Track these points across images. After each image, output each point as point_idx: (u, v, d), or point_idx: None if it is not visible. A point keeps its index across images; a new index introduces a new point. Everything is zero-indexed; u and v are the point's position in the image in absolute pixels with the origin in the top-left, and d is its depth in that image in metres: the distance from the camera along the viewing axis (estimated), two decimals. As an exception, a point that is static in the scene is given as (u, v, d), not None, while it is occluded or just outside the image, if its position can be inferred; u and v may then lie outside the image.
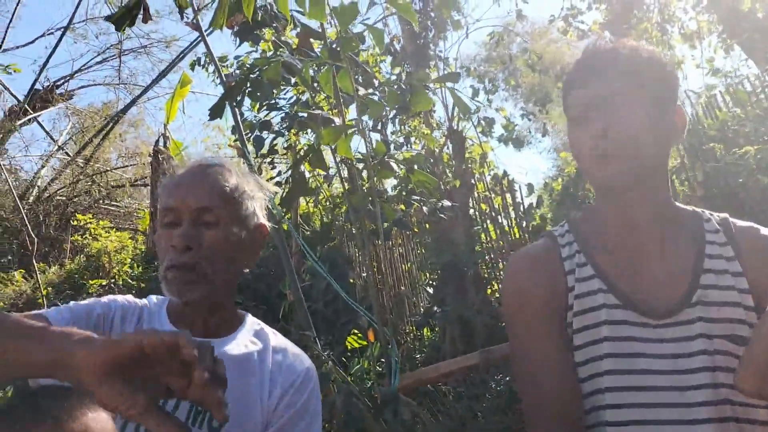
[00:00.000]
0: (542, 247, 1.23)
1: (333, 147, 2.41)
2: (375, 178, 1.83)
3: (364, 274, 6.79)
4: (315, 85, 2.19)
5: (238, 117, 2.84)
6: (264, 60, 1.70)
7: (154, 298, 1.46)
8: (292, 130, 4.17)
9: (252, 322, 1.47)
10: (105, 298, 1.38)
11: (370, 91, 2.09)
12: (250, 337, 1.42)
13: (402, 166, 2.07)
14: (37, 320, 1.13)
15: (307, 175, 5.97)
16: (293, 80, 2.50)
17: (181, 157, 4.82)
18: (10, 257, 9.20)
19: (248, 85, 2.22)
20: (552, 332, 1.13)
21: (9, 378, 1.10)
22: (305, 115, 2.57)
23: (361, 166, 2.38)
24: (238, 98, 2.37)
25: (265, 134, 4.12)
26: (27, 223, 7.50)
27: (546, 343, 1.12)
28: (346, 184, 2.61)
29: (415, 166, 2.25)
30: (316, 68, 2.00)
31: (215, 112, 2.19)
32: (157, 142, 9.12)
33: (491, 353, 2.52)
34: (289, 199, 2.07)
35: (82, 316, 1.28)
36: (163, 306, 1.42)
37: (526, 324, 1.15)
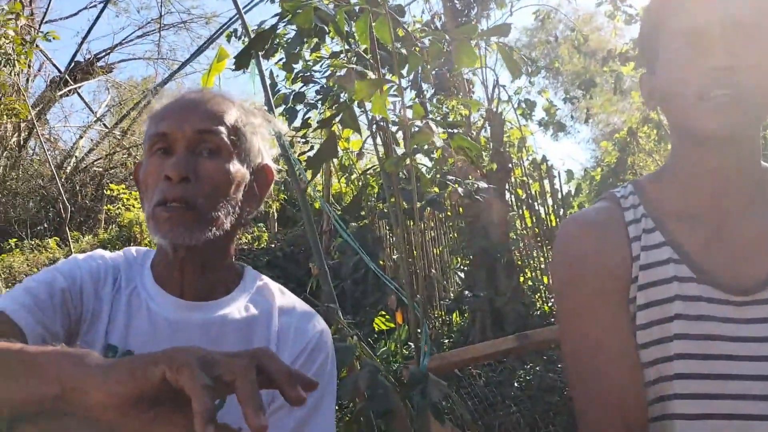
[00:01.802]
0: (602, 210, 1.04)
1: (366, 112, 2.29)
2: (412, 144, 1.70)
3: (395, 256, 6.68)
4: (351, 40, 2.06)
5: (263, 68, 2.71)
6: (296, 2, 1.56)
7: (133, 250, 1.26)
8: (327, 103, 4.06)
9: (253, 277, 1.27)
10: (66, 265, 1.17)
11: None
12: (251, 296, 1.23)
13: (442, 130, 1.93)
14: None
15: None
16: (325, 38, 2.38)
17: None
18: (45, 225, 9.32)
19: (276, 36, 2.09)
20: (612, 309, 0.96)
21: None
22: (342, 72, 2.42)
23: (395, 129, 2.25)
24: (266, 48, 2.24)
25: (298, 107, 4.01)
26: (63, 192, 7.55)
27: (605, 321, 0.96)
28: (381, 149, 2.47)
29: (457, 131, 2.10)
30: (351, 18, 1.87)
31: (241, 61, 2.08)
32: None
33: (528, 338, 2.38)
34: (316, 160, 1.94)
35: (45, 299, 1.08)
36: (146, 262, 1.22)
37: (581, 299, 0.99)
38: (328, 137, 1.92)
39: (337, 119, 1.91)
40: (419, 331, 2.03)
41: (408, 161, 1.84)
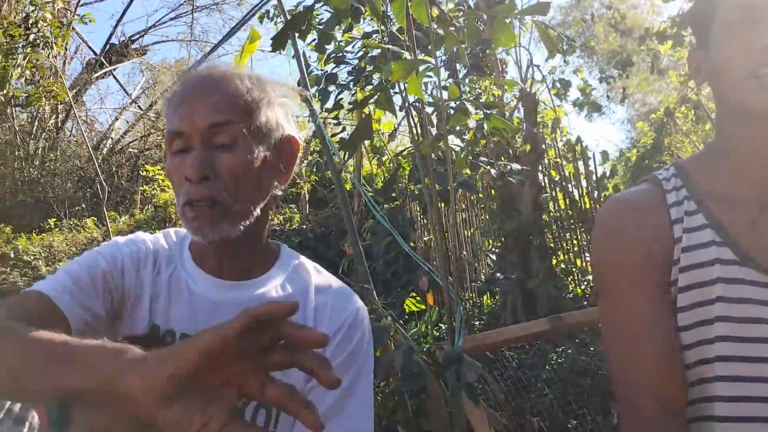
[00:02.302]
0: (644, 191, 1.03)
1: (402, 92, 2.28)
2: (447, 125, 1.69)
3: (426, 238, 6.68)
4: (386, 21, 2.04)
5: (299, 49, 2.70)
6: (331, -20, 1.56)
7: (172, 233, 1.27)
8: (359, 84, 4.04)
9: (288, 256, 1.27)
10: (107, 248, 1.18)
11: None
12: (288, 275, 1.23)
13: (478, 110, 1.91)
14: (40, 302, 1.02)
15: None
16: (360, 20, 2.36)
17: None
18: (83, 205, 9.52)
19: (312, 16, 2.09)
20: (653, 291, 0.95)
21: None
22: (377, 52, 2.40)
23: (431, 110, 2.23)
24: (302, 29, 2.24)
25: (330, 88, 4.00)
26: (100, 172, 7.70)
27: (645, 303, 0.95)
28: (416, 129, 2.45)
29: (493, 112, 2.08)
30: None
31: (277, 42, 2.08)
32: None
33: (561, 320, 2.36)
34: (352, 141, 1.94)
35: (87, 282, 1.09)
36: (185, 243, 1.24)
37: (621, 281, 0.98)
38: (363, 119, 1.92)
39: (373, 100, 1.90)
40: (453, 312, 2.03)
41: (443, 143, 1.83)
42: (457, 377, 1.61)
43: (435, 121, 2.19)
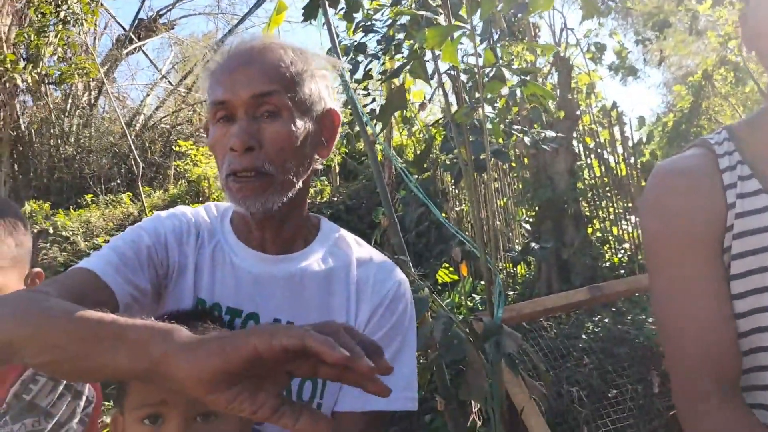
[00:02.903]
0: (695, 157, 1.00)
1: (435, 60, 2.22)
2: (483, 92, 1.64)
3: (458, 208, 6.63)
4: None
5: (330, 19, 2.65)
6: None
7: (213, 207, 1.27)
8: (387, 54, 3.98)
9: (329, 230, 1.27)
10: (149, 222, 1.18)
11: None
12: (329, 248, 1.23)
13: (514, 77, 1.85)
14: (87, 279, 1.02)
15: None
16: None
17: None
18: (119, 181, 9.67)
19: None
20: (705, 259, 0.92)
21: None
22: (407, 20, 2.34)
23: (465, 78, 2.17)
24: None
25: (359, 58, 3.94)
26: (134, 149, 7.79)
27: (697, 271, 0.92)
28: (451, 96, 2.40)
29: (529, 78, 2.01)
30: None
31: (308, 12, 2.04)
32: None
33: (600, 290, 2.32)
34: (386, 111, 1.90)
35: (131, 257, 1.10)
36: (226, 217, 1.24)
37: (673, 249, 0.94)
38: (396, 88, 1.88)
39: (407, 68, 1.86)
40: (491, 282, 2.00)
41: (478, 111, 1.78)
42: (497, 348, 1.59)
43: (466, 89, 2.14)
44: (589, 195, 5.98)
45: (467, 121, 1.95)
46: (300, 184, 1.14)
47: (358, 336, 0.78)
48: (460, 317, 3.67)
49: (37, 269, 1.36)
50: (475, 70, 1.65)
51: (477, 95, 1.68)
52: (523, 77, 1.96)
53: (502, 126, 5.21)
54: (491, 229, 6.28)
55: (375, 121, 2.40)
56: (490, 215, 6.30)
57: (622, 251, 5.87)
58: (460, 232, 2.66)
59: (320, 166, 1.21)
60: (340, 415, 1.16)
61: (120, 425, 1.02)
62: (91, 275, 1.04)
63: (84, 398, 1.33)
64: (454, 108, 2.35)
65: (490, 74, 1.71)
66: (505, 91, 2.99)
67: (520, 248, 5.27)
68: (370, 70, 4.19)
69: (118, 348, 0.77)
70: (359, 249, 1.25)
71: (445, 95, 2.14)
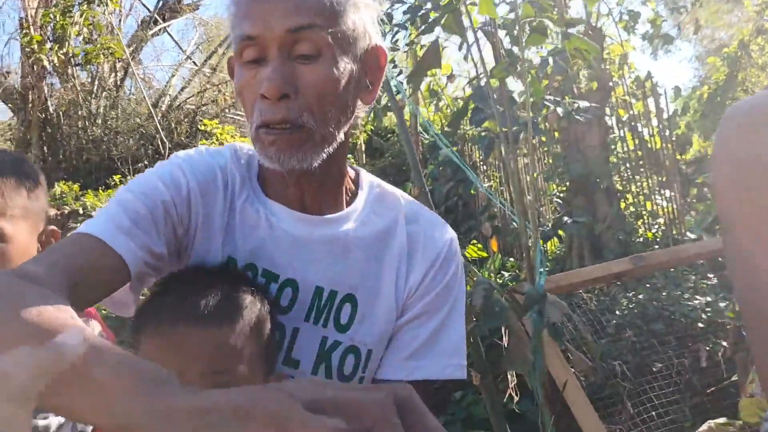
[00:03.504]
0: None
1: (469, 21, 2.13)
2: (522, 47, 1.55)
3: (487, 184, 6.52)
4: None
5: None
6: None
7: (238, 149, 1.08)
8: (414, 25, 3.88)
9: (369, 183, 1.13)
10: (166, 169, 1.00)
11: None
12: (372, 205, 1.10)
13: (559, 28, 1.75)
14: (91, 248, 0.87)
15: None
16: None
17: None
18: (146, 162, 9.71)
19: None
20: None
21: None
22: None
23: (503, 34, 2.08)
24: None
25: (386, 29, 3.85)
26: (160, 129, 7.80)
27: None
28: (489, 51, 2.30)
29: (574, 31, 1.90)
30: None
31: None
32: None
33: (643, 259, 2.22)
34: (418, 71, 1.82)
35: (145, 215, 0.93)
36: (253, 166, 1.07)
37: (754, 209, 0.84)
38: (430, 45, 1.79)
39: (442, 21, 1.77)
40: (532, 250, 1.92)
41: (518, 64, 1.69)
42: (540, 317, 1.52)
43: (502, 45, 2.04)
44: (622, 169, 5.84)
45: (506, 76, 1.86)
46: (341, 136, 0.99)
47: (418, 414, 0.55)
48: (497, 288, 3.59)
49: (53, 227, 1.31)
50: (514, 22, 1.56)
51: (515, 50, 1.58)
52: (566, 30, 1.86)
53: (532, 99, 5.06)
54: (525, 201, 6.17)
55: (407, 83, 2.30)
56: (519, 190, 6.18)
57: (656, 226, 5.74)
58: (497, 197, 2.56)
59: (362, 114, 1.06)
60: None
61: None
62: (96, 243, 0.89)
63: None
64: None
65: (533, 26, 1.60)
66: (535, 62, 2.88)
67: (552, 223, 5.16)
68: (396, 41, 4.10)
69: (78, 395, 0.57)
70: (405, 203, 1.13)
71: (481, 54, 2.04)
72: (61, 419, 1.21)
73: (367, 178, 1.15)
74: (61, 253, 0.87)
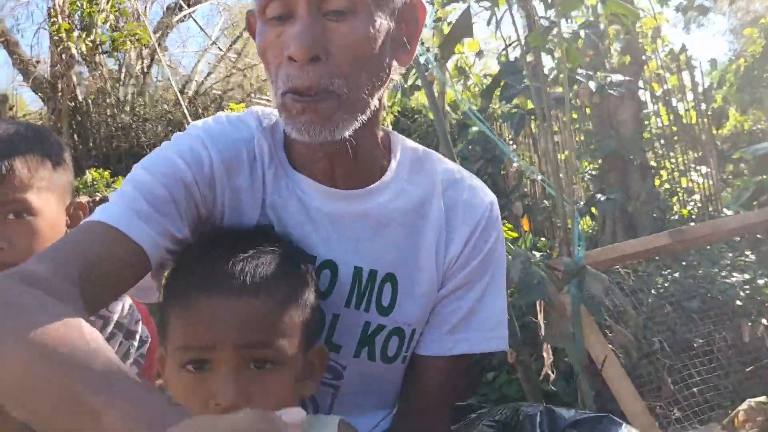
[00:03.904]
0: None
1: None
2: (557, 13, 1.49)
3: (516, 162, 6.43)
4: None
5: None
6: None
7: (259, 112, 0.99)
8: (438, 3, 3.81)
9: (403, 148, 1.04)
10: (184, 142, 0.92)
11: None
12: (408, 173, 1.02)
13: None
14: (106, 239, 0.80)
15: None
16: None
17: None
18: (174, 148, 9.76)
19: None
20: None
21: None
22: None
23: (537, 1, 2.01)
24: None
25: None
26: (187, 115, 7.82)
27: None
28: (520, 23, 2.23)
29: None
30: None
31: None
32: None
33: (682, 234, 2.15)
34: (450, 41, 1.76)
35: (164, 197, 0.85)
36: (277, 133, 0.97)
37: None
38: (462, 13, 1.74)
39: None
40: (569, 222, 1.86)
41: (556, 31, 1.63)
42: (580, 289, 1.47)
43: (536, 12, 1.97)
44: (657, 144, 5.70)
45: (542, 44, 1.80)
46: (375, 102, 0.91)
47: None
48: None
49: (80, 200, 1.31)
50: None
51: (551, 15, 1.52)
52: (603, -6, 1.78)
53: (569, 65, 4.92)
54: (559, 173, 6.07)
55: (437, 51, 2.23)
56: (549, 169, 6.08)
57: (692, 203, 5.60)
58: (535, 170, 2.50)
59: (398, 77, 1.01)
60: (425, 359, 1.03)
61: (165, 366, 0.89)
62: (112, 232, 0.81)
63: (137, 338, 1.28)
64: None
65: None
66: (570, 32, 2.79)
67: (584, 201, 5.07)
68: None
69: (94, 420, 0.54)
70: (441, 168, 1.06)
71: (514, 22, 1.97)
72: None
73: (400, 141, 1.07)
74: (73, 247, 0.80)
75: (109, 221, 0.83)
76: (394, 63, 0.94)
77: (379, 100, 0.94)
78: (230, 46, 11.77)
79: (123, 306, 1.26)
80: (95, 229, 0.83)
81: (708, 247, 4.35)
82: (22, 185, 1.15)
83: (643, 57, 5.41)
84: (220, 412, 0.77)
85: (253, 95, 11.27)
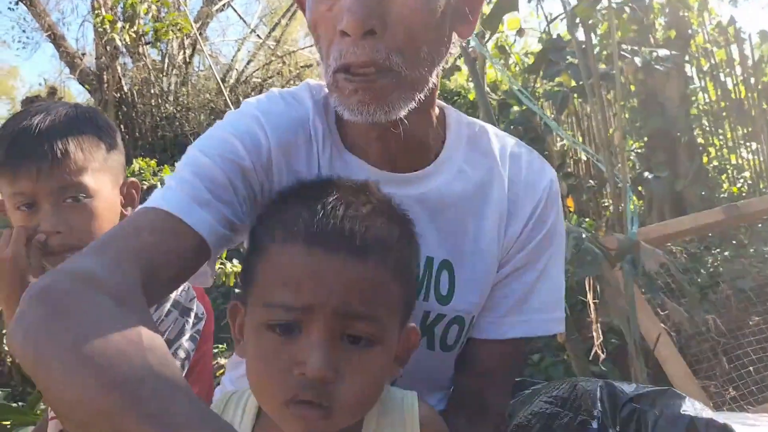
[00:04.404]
0: None
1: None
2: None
3: (560, 143, 6.34)
4: None
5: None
6: None
7: (312, 91, 0.94)
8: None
9: (458, 124, 0.99)
10: (242, 124, 0.88)
11: None
12: (466, 153, 0.97)
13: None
14: (162, 226, 0.77)
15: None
16: None
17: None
18: (217, 136, 9.90)
19: None
20: None
21: None
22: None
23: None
24: None
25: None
26: (230, 104, 7.92)
27: None
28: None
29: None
30: None
31: None
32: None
33: (737, 209, 2.10)
34: (495, 15, 1.74)
35: (223, 182, 0.82)
36: (330, 114, 0.92)
37: None
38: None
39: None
40: (622, 198, 1.84)
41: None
42: (634, 265, 1.46)
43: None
44: (704, 121, 5.55)
45: (591, 15, 1.77)
46: (434, 78, 0.87)
47: None
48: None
49: (133, 179, 1.32)
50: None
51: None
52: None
53: (619, 33, 4.81)
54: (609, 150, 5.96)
55: (482, 27, 2.19)
56: (594, 148, 5.98)
57: (741, 180, 5.46)
58: (587, 148, 2.47)
59: (456, 50, 0.99)
60: (480, 342, 1.00)
61: (239, 318, 0.80)
62: (172, 221, 0.78)
63: (193, 315, 1.29)
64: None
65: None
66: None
67: (629, 180, 4.98)
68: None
69: None
70: (500, 143, 1.00)
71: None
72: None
73: (455, 117, 1.02)
74: (134, 239, 0.76)
75: (169, 209, 0.79)
76: (454, 35, 0.90)
77: (437, 75, 0.89)
78: (269, 33, 11.85)
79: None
80: (154, 217, 0.79)
81: (759, 225, 4.25)
82: (78, 168, 1.15)
83: (690, 31, 5.26)
84: (303, 382, 0.70)
85: (292, 82, 11.34)
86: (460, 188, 0.95)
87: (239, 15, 13.14)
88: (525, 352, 1.04)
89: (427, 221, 0.93)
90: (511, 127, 5.12)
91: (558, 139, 6.35)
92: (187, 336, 1.27)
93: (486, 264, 0.96)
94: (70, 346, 0.59)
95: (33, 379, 0.61)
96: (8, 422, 2.75)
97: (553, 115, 6.20)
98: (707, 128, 5.56)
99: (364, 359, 0.73)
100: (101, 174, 1.20)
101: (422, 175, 0.94)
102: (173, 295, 1.26)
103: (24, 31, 11.08)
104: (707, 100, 5.55)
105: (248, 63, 11.56)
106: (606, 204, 6.13)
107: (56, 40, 9.65)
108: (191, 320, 1.29)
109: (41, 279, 0.69)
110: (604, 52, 4.73)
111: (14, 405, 2.85)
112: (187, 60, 10.38)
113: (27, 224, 1.14)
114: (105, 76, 9.03)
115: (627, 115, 5.60)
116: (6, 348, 3.48)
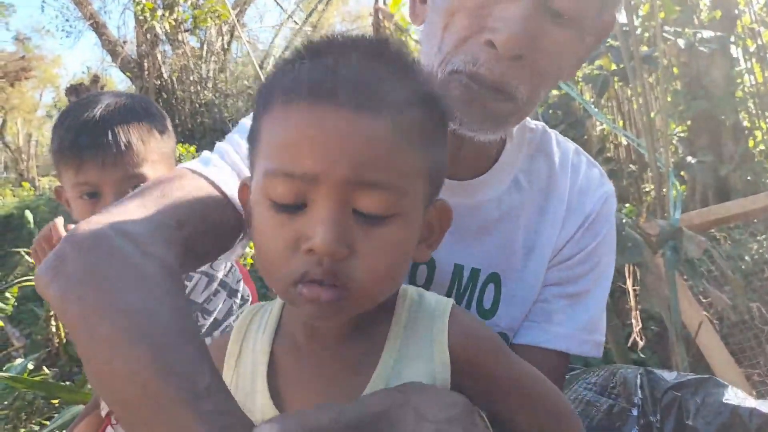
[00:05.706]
0: None
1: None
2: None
3: (600, 127, 6.23)
4: None
5: None
6: None
7: None
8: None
9: (521, 128, 0.95)
10: None
11: None
12: (525, 159, 0.94)
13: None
14: (199, 195, 0.75)
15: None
16: None
17: (401, 13, 4.52)
18: (254, 122, 10.00)
19: None
20: None
21: None
22: None
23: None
24: None
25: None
26: (266, 89, 7.97)
27: None
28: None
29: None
30: None
31: None
32: (376, 0, 8.99)
33: (785, 194, 2.04)
34: None
35: None
36: None
37: None
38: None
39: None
40: (664, 184, 1.81)
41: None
42: (676, 252, 1.43)
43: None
44: (750, 104, 5.39)
45: None
46: None
47: None
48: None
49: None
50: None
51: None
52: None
53: (646, 34, 4.72)
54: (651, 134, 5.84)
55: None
56: (635, 132, 5.86)
57: (790, 164, 5.30)
58: (626, 132, 2.44)
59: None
60: (520, 348, 0.94)
61: (247, 195, 0.71)
62: (214, 194, 0.76)
63: (239, 296, 1.31)
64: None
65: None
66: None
67: (674, 163, 4.88)
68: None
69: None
70: (560, 150, 0.97)
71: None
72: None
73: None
74: (175, 204, 0.74)
75: (215, 180, 0.78)
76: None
77: None
78: (306, 19, 11.89)
79: (226, 265, 1.30)
80: (190, 182, 0.78)
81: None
82: (139, 160, 1.18)
83: (736, 11, 5.10)
84: (312, 258, 0.61)
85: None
86: (515, 201, 0.93)
87: (276, 1, 13.19)
88: (563, 371, 0.95)
89: (477, 232, 0.91)
90: (550, 111, 5.06)
91: (598, 123, 6.25)
92: (234, 317, 1.29)
93: (535, 279, 0.93)
94: (96, 308, 0.59)
95: (64, 324, 0.62)
96: (57, 401, 2.86)
97: (592, 99, 6.10)
98: (753, 111, 5.40)
99: (382, 233, 0.62)
100: (158, 164, 1.23)
101: (477, 183, 0.91)
102: (220, 275, 1.28)
103: (67, 20, 11.35)
104: (753, 82, 5.38)
105: (285, 49, 11.63)
106: (647, 189, 6.02)
107: (98, 28, 9.85)
108: (238, 301, 1.32)
109: (85, 224, 0.67)
110: (646, 34, 4.62)
111: (63, 384, 2.95)
112: (225, 47, 10.49)
113: (90, 213, 1.18)
114: (145, 64, 9.20)
115: (669, 99, 5.47)
116: (54, 330, 3.60)
